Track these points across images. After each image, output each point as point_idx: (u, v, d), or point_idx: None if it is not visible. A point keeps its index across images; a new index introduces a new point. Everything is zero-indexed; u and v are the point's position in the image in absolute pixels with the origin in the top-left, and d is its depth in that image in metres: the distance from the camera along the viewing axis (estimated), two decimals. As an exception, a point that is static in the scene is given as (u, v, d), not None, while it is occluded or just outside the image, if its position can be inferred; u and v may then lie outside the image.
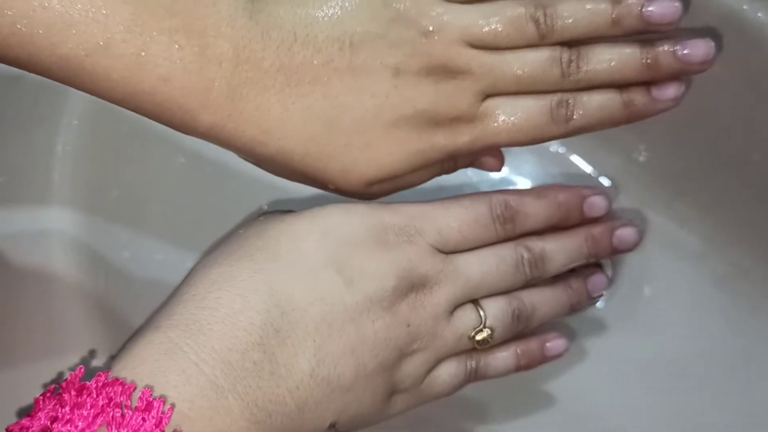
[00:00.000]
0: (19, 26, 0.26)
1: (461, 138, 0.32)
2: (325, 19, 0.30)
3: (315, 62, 0.30)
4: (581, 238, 0.35)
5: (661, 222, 0.40)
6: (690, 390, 0.40)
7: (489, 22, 0.32)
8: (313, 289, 0.29)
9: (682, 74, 0.33)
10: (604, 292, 0.38)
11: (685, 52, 0.32)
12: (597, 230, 0.36)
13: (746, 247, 0.39)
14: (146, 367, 0.27)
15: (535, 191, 0.35)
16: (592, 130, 0.34)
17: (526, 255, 0.34)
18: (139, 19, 0.27)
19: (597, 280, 0.37)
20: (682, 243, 0.41)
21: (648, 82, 0.33)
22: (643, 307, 0.40)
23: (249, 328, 0.28)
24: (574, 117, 0.33)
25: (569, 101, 0.33)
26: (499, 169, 0.36)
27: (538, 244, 0.34)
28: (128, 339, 0.28)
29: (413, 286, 0.31)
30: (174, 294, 0.29)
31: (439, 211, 0.33)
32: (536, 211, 0.34)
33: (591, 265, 0.38)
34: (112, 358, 0.28)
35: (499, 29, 0.32)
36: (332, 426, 0.30)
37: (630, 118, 0.34)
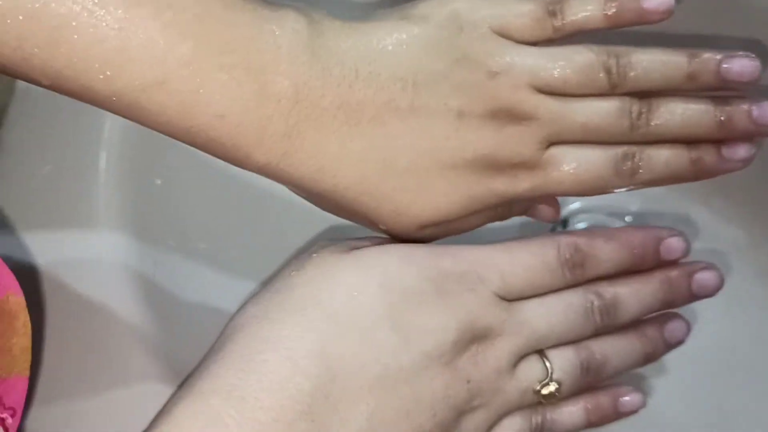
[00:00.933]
0: (75, 60, 0.25)
1: (521, 185, 0.31)
2: (389, 56, 0.29)
3: (376, 101, 0.29)
4: (657, 283, 0.33)
5: (702, 215, 0.40)
6: (729, 385, 0.39)
7: (558, 68, 0.31)
8: (368, 350, 0.28)
9: (755, 136, 0.32)
10: (684, 335, 0.35)
11: (758, 113, 0.31)
12: (674, 274, 0.34)
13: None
14: None
15: (606, 233, 0.33)
16: (657, 185, 0.33)
17: (596, 302, 0.32)
18: (198, 55, 0.26)
19: (675, 326, 0.35)
20: (723, 236, 0.40)
21: (718, 140, 0.32)
22: None
23: (297, 395, 0.26)
24: (640, 171, 0.32)
25: (635, 155, 0.32)
26: (555, 220, 0.35)
27: (609, 290, 0.32)
28: (170, 398, 0.27)
29: (475, 338, 0.30)
30: (217, 347, 0.28)
31: (503, 255, 0.31)
32: (608, 256, 0.32)
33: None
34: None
35: (569, 77, 0.31)
36: None
37: (697, 176, 0.33)
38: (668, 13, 0.31)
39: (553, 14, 0.31)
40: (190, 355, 0.30)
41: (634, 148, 0.32)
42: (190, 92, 0.26)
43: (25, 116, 0.38)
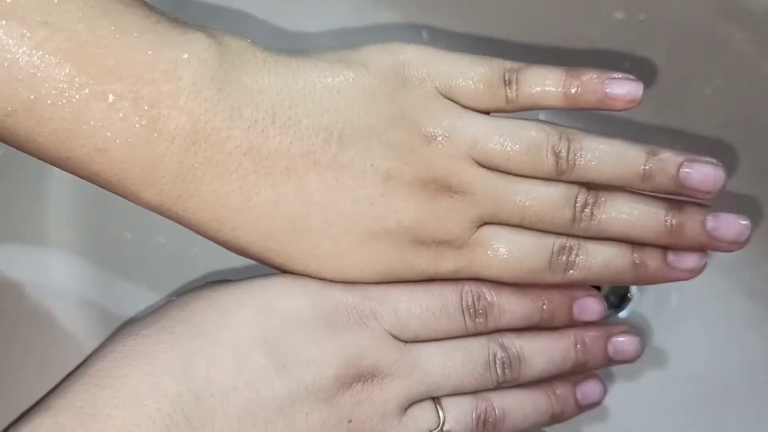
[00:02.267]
0: None
1: (445, 265, 0.30)
2: (315, 102, 0.27)
3: (292, 151, 0.27)
4: (569, 342, 0.32)
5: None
6: (718, 405, 0.38)
7: (503, 142, 0.29)
8: (237, 373, 0.26)
9: (705, 249, 0.31)
10: (599, 398, 0.33)
11: (713, 225, 0.30)
12: (589, 335, 0.32)
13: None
14: None
15: (517, 285, 0.31)
16: (591, 284, 0.31)
17: (499, 354, 0.31)
18: (74, 81, 0.24)
19: (589, 387, 0.33)
20: (713, 254, 0.39)
21: (666, 246, 0.31)
22: (670, 317, 0.38)
23: (155, 414, 0.25)
24: (574, 269, 0.30)
25: (573, 249, 0.30)
26: None
27: (515, 343, 0.31)
28: (15, 419, 0.25)
29: (360, 375, 0.28)
30: (81, 366, 0.27)
31: (401, 293, 0.30)
32: (513, 307, 0.31)
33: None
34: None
35: (513, 154, 0.29)
36: None
37: (637, 280, 0.31)
38: (633, 103, 0.29)
39: (508, 83, 0.29)
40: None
41: (572, 241, 0.30)
42: (63, 121, 0.24)
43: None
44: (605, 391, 0.33)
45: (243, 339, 0.27)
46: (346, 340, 0.28)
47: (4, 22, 0.23)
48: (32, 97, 0.24)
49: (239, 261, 0.32)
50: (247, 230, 0.27)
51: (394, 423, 0.29)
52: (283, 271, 0.29)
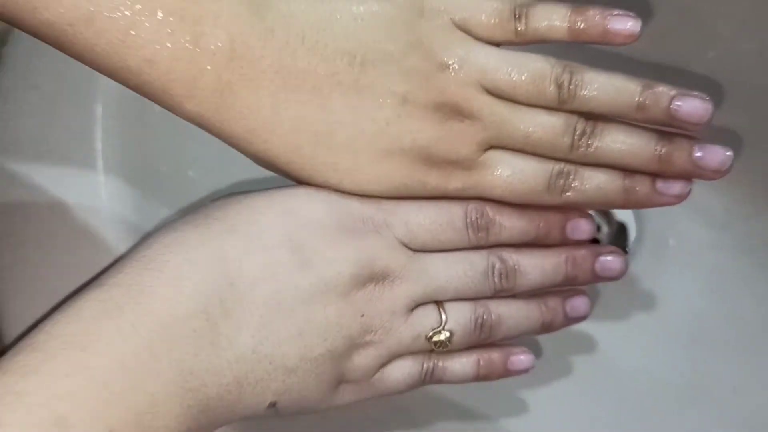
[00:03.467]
0: None
1: (453, 183, 0.32)
2: (341, 28, 0.29)
3: (318, 71, 0.28)
4: (561, 258, 0.34)
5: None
6: (702, 349, 0.40)
7: (511, 72, 0.30)
8: (266, 265, 0.29)
9: (691, 176, 0.32)
10: (586, 312, 0.36)
11: (699, 155, 0.31)
12: (580, 253, 0.34)
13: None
14: (82, 324, 0.26)
15: (517, 205, 0.33)
16: (586, 207, 0.33)
17: (497, 265, 0.33)
18: None
19: (578, 302, 0.35)
20: (709, 210, 0.41)
21: (656, 173, 0.32)
22: (668, 257, 0.40)
23: (193, 294, 0.27)
24: (570, 191, 0.32)
25: (570, 174, 0.32)
26: None
27: (513, 256, 0.33)
28: (72, 293, 0.28)
29: (373, 276, 0.31)
30: (128, 252, 0.29)
31: (411, 207, 0.32)
32: (513, 224, 0.33)
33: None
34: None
35: (519, 83, 0.31)
36: (272, 405, 0.29)
37: (627, 204, 0.33)
38: (633, 38, 0.31)
39: (518, 17, 0.31)
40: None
41: (570, 167, 0.32)
42: (118, 33, 0.26)
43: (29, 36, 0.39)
44: (590, 306, 0.35)
45: (271, 237, 0.29)
46: (362, 245, 0.30)
47: None
48: (92, 9, 0.25)
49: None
50: (275, 142, 0.29)
51: (401, 321, 0.31)
52: (306, 184, 0.30)
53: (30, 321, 0.33)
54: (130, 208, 0.37)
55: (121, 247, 0.35)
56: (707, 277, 0.41)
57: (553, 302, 0.35)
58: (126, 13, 0.26)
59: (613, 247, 0.35)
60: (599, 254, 0.34)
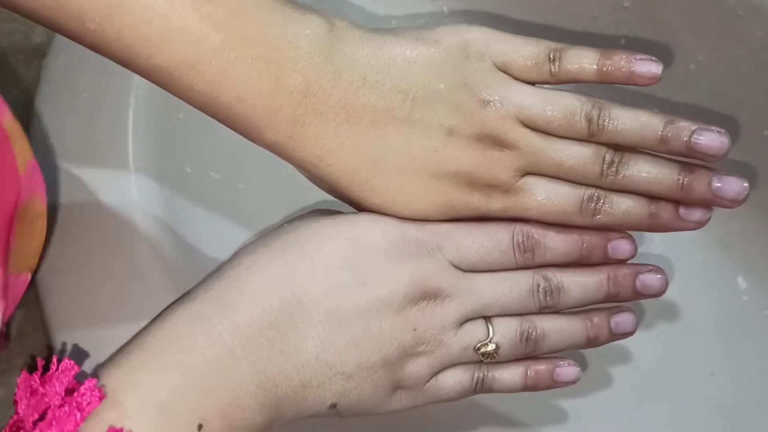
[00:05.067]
0: (124, 35, 0.29)
1: (494, 204, 0.34)
2: (397, 70, 0.32)
3: (377, 107, 0.32)
4: (603, 276, 0.36)
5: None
6: (682, 338, 0.43)
7: (544, 109, 0.33)
8: (329, 286, 0.32)
9: (710, 204, 0.35)
10: (632, 328, 0.37)
11: (718, 185, 0.34)
12: (621, 272, 0.36)
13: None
14: (180, 329, 0.30)
15: (560, 227, 0.35)
16: (614, 229, 0.36)
17: (542, 283, 0.35)
18: (227, 45, 0.30)
19: (623, 319, 0.37)
20: None
21: (678, 200, 0.35)
22: (644, 257, 0.39)
23: (268, 309, 0.31)
24: (600, 215, 0.35)
25: (600, 199, 0.34)
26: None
27: (556, 275, 0.35)
28: (173, 302, 0.32)
29: (425, 295, 0.33)
30: (215, 271, 0.33)
31: (461, 231, 0.34)
32: (557, 245, 0.35)
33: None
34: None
35: (553, 118, 0.33)
36: (333, 406, 0.33)
37: (652, 228, 0.35)
38: (655, 80, 0.34)
39: (552, 60, 0.34)
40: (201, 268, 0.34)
41: (600, 192, 0.35)
42: (216, 75, 0.30)
43: (67, 48, 0.41)
44: (636, 323, 0.37)
45: (335, 261, 0.32)
46: (415, 267, 0.33)
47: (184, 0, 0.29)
48: (196, 56, 0.30)
49: (278, 196, 0.37)
50: (339, 166, 0.32)
51: (451, 334, 0.34)
52: (363, 205, 0.34)
53: (75, 309, 0.37)
54: (159, 204, 0.40)
55: (152, 240, 0.39)
56: (686, 270, 0.44)
57: (599, 318, 0.36)
58: (223, 60, 0.30)
59: (653, 266, 0.36)
60: (640, 272, 0.36)
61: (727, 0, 0.39)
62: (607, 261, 0.36)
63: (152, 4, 0.29)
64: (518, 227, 0.35)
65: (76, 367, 0.29)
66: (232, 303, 0.31)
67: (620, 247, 0.36)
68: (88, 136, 0.41)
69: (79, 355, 0.36)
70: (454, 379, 0.35)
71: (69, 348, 0.36)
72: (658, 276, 0.36)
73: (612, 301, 0.36)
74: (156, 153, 0.41)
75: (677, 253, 0.44)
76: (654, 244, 0.45)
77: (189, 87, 0.30)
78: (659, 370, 0.43)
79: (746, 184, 0.34)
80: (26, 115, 0.42)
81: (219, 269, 0.33)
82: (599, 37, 0.43)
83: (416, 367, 0.34)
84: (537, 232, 0.35)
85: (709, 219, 0.35)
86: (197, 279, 0.33)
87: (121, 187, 0.40)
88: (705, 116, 0.41)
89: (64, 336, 0.37)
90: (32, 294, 0.39)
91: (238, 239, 0.42)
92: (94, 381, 0.28)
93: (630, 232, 0.36)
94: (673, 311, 0.44)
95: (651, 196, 0.35)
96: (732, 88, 0.42)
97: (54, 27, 0.30)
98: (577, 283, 0.36)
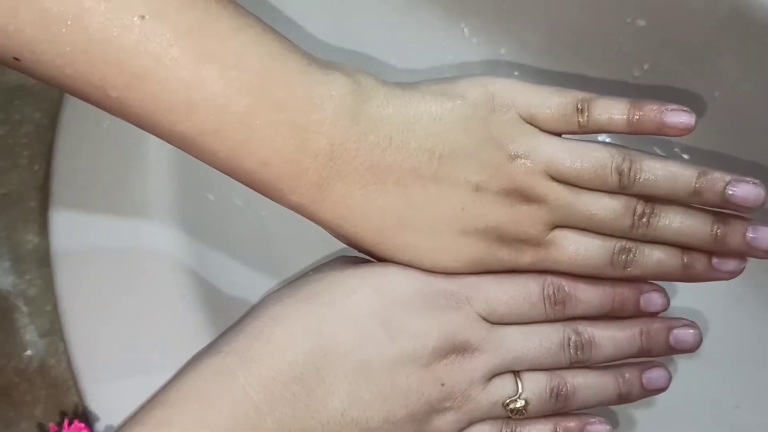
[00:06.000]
0: (146, 103, 0.28)
1: (524, 258, 0.34)
2: (422, 128, 0.32)
3: (403, 166, 0.31)
4: (636, 331, 0.35)
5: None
6: (711, 371, 0.42)
7: (574, 163, 0.33)
8: (356, 338, 0.31)
9: (745, 255, 0.34)
10: (664, 384, 0.36)
11: (754, 236, 0.33)
12: (654, 326, 0.35)
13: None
14: (202, 384, 0.30)
15: (591, 279, 0.35)
16: (646, 279, 0.35)
17: (573, 337, 0.34)
18: (252, 111, 0.29)
19: (655, 374, 0.36)
20: None
21: (711, 251, 0.34)
22: (667, 286, 0.38)
23: (293, 363, 0.31)
24: (632, 267, 0.34)
25: (631, 251, 0.34)
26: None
27: (588, 329, 0.35)
28: (195, 354, 0.32)
29: (454, 349, 0.33)
30: (240, 321, 0.32)
31: (491, 283, 0.34)
32: (588, 298, 0.34)
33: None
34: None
35: (583, 172, 0.33)
36: None
37: (685, 278, 0.35)
38: (688, 130, 0.33)
39: (580, 111, 0.33)
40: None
41: (631, 244, 0.34)
42: (240, 141, 0.29)
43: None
44: (670, 378, 0.36)
45: (362, 313, 0.32)
46: (444, 320, 0.32)
47: (205, 65, 0.28)
48: (220, 122, 0.29)
49: (302, 223, 0.38)
50: (364, 227, 0.32)
51: (479, 389, 0.33)
52: (390, 261, 0.33)
53: (101, 345, 0.36)
54: (181, 232, 0.39)
55: (175, 269, 0.38)
56: (708, 299, 0.42)
57: (630, 373, 0.35)
58: (247, 126, 0.29)
59: (687, 320, 0.36)
60: (673, 327, 0.35)
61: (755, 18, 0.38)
62: (639, 314, 0.35)
63: (176, 72, 0.28)
64: (549, 279, 0.34)
65: (86, 430, 0.28)
66: (257, 356, 0.31)
67: (653, 300, 0.35)
68: (109, 162, 0.40)
69: (91, 415, 0.35)
70: None
71: (82, 408, 0.36)
72: (692, 331, 0.35)
73: (644, 356, 0.36)
74: (178, 179, 0.40)
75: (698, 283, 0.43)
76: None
77: (212, 153, 0.30)
78: (683, 401, 0.41)
79: None
80: (48, 139, 0.42)
81: (242, 320, 0.32)
82: (622, 60, 0.42)
83: (443, 423, 0.33)
84: (568, 284, 0.34)
85: (743, 269, 0.34)
86: (223, 312, 0.33)
87: (144, 212, 0.39)
88: (728, 142, 0.40)
89: (87, 369, 0.36)
90: (56, 325, 0.39)
91: (263, 267, 0.42)
92: None
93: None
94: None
95: (683, 247, 0.34)
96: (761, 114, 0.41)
97: (75, 94, 0.29)
98: (609, 338, 0.35)
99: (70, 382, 0.38)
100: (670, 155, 0.43)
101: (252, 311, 0.33)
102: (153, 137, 0.35)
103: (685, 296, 0.42)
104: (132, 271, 0.38)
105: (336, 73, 0.31)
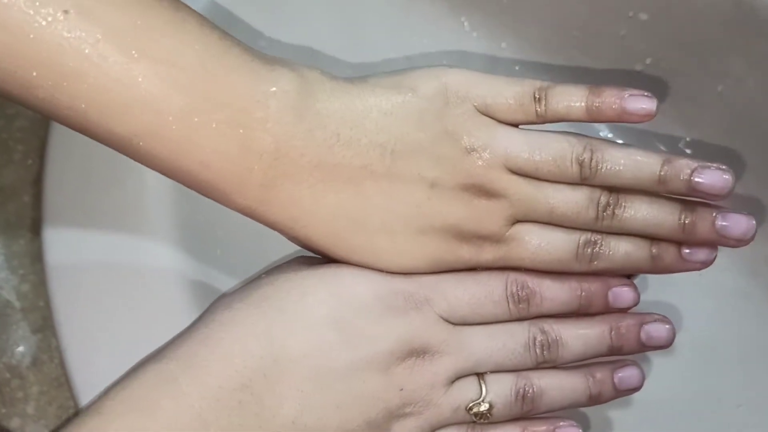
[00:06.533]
0: (77, 104, 0.27)
1: (485, 256, 0.33)
2: (373, 123, 0.30)
3: (353, 164, 0.30)
4: (605, 328, 0.34)
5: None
6: (711, 369, 0.41)
7: (533, 155, 0.32)
8: (309, 344, 0.30)
9: (716, 244, 0.33)
10: (637, 384, 0.34)
11: (724, 224, 0.32)
12: (624, 322, 0.34)
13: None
14: (142, 391, 0.29)
15: (557, 275, 0.34)
16: (614, 272, 0.33)
17: (539, 336, 0.33)
18: (190, 110, 0.28)
19: (628, 373, 0.34)
20: None
21: (680, 241, 0.33)
22: (673, 284, 0.40)
23: (241, 369, 0.29)
24: (598, 260, 0.33)
25: (597, 243, 0.33)
26: None
27: (554, 328, 0.33)
28: (139, 361, 0.30)
29: (413, 352, 0.31)
30: (188, 328, 0.31)
31: (452, 282, 0.33)
32: (554, 295, 0.33)
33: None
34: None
35: (542, 164, 0.32)
36: None
37: (654, 270, 0.34)
38: (649, 117, 0.32)
39: (537, 101, 0.32)
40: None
41: (596, 236, 0.33)
42: (178, 142, 0.28)
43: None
44: (643, 377, 0.34)
45: (315, 317, 0.31)
46: (402, 322, 0.31)
47: (139, 62, 0.27)
48: (157, 122, 0.28)
49: None
50: (315, 228, 0.31)
51: (441, 393, 0.32)
52: (346, 263, 0.32)
53: (94, 342, 0.36)
54: (177, 232, 0.39)
55: (174, 268, 0.38)
56: (714, 297, 0.42)
57: (601, 373, 0.34)
58: (186, 126, 0.28)
59: (659, 315, 0.34)
60: (645, 323, 0.34)
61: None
62: (608, 310, 0.34)
63: (107, 70, 0.27)
64: (512, 276, 0.33)
65: None
66: (203, 363, 0.29)
67: (622, 295, 0.34)
68: (104, 158, 0.38)
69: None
70: None
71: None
72: (666, 326, 0.34)
73: (615, 354, 0.34)
74: (176, 203, 0.39)
75: (705, 278, 0.43)
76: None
77: (150, 155, 0.29)
78: (685, 400, 0.41)
79: (754, 222, 0.32)
80: (43, 134, 0.41)
81: (191, 326, 0.31)
82: (624, 55, 0.42)
83: (403, 430, 0.32)
84: (532, 281, 0.33)
85: (714, 258, 0.33)
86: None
87: (140, 207, 0.38)
88: (732, 138, 0.40)
89: (79, 366, 0.36)
90: (48, 321, 0.38)
91: (264, 262, 0.41)
92: None
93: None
94: (700, 339, 0.42)
95: (651, 238, 0.33)
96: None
97: (3, 95, 0.28)
98: (577, 336, 0.33)
99: (63, 378, 0.38)
100: (674, 151, 0.42)
101: (201, 317, 0.32)
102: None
103: (687, 295, 0.42)
104: (126, 271, 0.38)
105: (280, 68, 0.30)
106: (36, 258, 0.40)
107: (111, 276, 0.37)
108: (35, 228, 0.40)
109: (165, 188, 0.39)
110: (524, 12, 0.42)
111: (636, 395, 0.39)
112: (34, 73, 0.27)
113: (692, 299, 0.41)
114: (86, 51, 0.27)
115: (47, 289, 0.38)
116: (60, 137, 0.40)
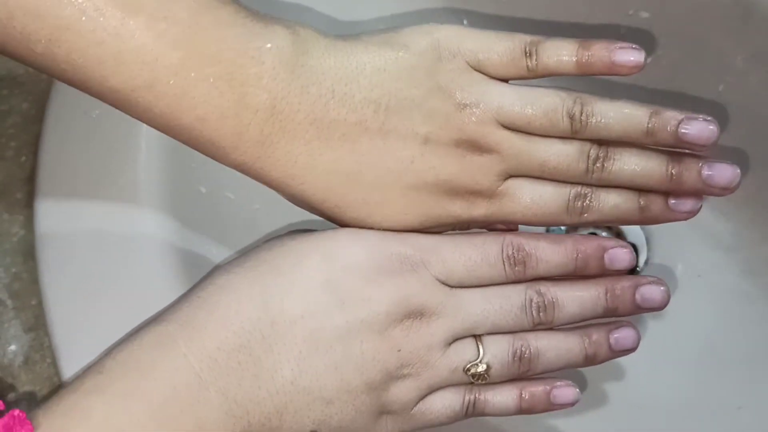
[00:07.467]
0: (74, 57, 0.28)
1: (477, 211, 0.33)
2: (366, 79, 0.31)
3: (348, 120, 0.31)
4: (600, 290, 0.34)
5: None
6: (710, 367, 0.41)
7: (524, 109, 0.32)
8: (306, 306, 0.31)
9: (702, 194, 0.33)
10: (633, 344, 0.34)
11: (709, 173, 0.32)
12: (619, 284, 0.34)
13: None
14: (142, 352, 0.29)
15: (552, 237, 0.34)
16: (604, 225, 0.34)
17: (535, 298, 0.33)
18: (185, 64, 0.28)
19: (623, 334, 0.34)
20: (717, 234, 0.42)
21: (668, 191, 0.33)
22: (673, 284, 0.41)
23: (239, 331, 0.30)
24: (588, 212, 0.33)
25: (587, 196, 0.33)
26: None
27: (551, 290, 0.33)
28: (139, 324, 0.31)
29: (410, 313, 0.32)
30: (186, 292, 0.32)
31: (448, 244, 0.33)
32: (550, 257, 0.33)
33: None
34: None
35: (533, 118, 0.32)
36: None
37: (642, 221, 0.34)
38: (637, 68, 0.32)
39: (528, 55, 0.32)
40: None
41: (586, 189, 0.33)
42: (175, 96, 0.29)
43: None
44: (638, 338, 0.34)
45: (312, 279, 0.31)
46: (398, 284, 0.31)
47: (135, 17, 0.28)
48: (153, 77, 0.28)
49: (293, 216, 0.36)
50: (311, 184, 0.31)
51: (438, 354, 0.32)
52: (340, 220, 0.32)
53: (84, 337, 0.36)
54: (172, 225, 0.39)
55: (165, 262, 0.38)
56: (714, 298, 0.42)
57: (597, 334, 0.34)
58: (182, 80, 0.28)
59: (654, 277, 0.34)
60: (640, 285, 0.34)
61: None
62: (604, 272, 0.34)
63: (103, 23, 0.27)
64: (508, 238, 0.33)
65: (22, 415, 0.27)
66: (201, 325, 0.30)
67: (618, 256, 0.34)
68: (98, 154, 0.40)
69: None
70: (443, 402, 0.33)
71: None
72: (660, 288, 0.34)
73: (611, 315, 0.34)
74: (169, 172, 0.40)
75: (705, 278, 0.43)
76: (678, 270, 0.44)
77: (147, 109, 0.29)
78: (686, 401, 0.41)
79: (738, 171, 0.32)
80: (36, 130, 0.41)
81: (190, 290, 0.32)
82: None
83: (402, 391, 0.32)
84: (528, 244, 0.33)
85: (700, 208, 0.33)
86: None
87: (133, 206, 0.38)
88: (733, 135, 0.40)
89: (72, 366, 0.36)
90: (41, 319, 0.38)
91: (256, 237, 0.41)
92: (17, 411, 0.26)
93: (631, 246, 0.34)
94: (699, 340, 0.43)
95: (640, 189, 0.33)
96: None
97: (2, 52, 0.28)
98: (573, 298, 0.34)
99: (55, 378, 0.38)
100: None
101: (199, 282, 0.32)
102: (144, 128, 0.34)
103: (687, 295, 0.42)
104: (120, 266, 0.38)
105: (274, 25, 0.30)
106: (29, 255, 0.40)
107: (104, 269, 0.37)
108: (28, 225, 0.40)
109: (159, 186, 0.39)
110: (523, 9, 0.43)
111: (636, 396, 0.40)
112: (31, 27, 0.27)
113: (692, 300, 0.42)
114: (81, 4, 0.27)
115: (40, 285, 0.38)
116: (54, 132, 0.40)
